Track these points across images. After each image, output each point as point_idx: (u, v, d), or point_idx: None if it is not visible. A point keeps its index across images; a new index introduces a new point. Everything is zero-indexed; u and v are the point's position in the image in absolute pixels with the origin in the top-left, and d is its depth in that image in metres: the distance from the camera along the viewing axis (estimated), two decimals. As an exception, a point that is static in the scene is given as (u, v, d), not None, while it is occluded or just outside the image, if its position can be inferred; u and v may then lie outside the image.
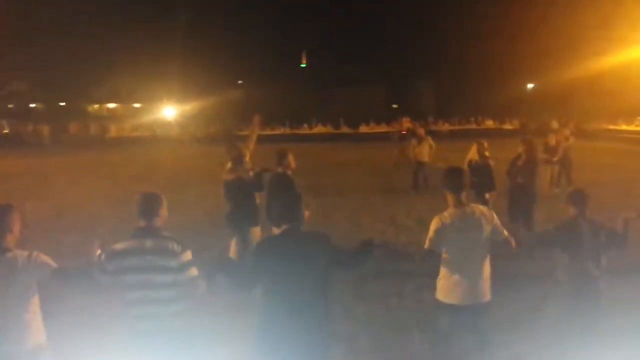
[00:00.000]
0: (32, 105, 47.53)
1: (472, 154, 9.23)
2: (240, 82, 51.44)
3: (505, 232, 4.00)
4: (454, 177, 4.03)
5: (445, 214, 3.96)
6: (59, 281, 3.47)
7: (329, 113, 37.73)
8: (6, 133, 35.08)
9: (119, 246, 3.42)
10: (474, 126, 35.32)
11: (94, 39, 40.79)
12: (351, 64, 48.35)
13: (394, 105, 46.28)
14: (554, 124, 28.94)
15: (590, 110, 31.64)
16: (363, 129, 35.61)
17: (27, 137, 33.75)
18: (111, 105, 51.73)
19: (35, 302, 3.42)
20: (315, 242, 3.52)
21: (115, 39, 40.95)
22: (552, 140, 13.01)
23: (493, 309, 4.08)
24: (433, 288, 4.07)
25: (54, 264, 3.43)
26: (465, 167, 9.24)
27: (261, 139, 8.96)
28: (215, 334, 4.89)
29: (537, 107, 35.89)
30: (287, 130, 34.71)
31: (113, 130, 36.18)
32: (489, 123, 35.85)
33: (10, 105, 45.08)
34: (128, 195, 13.59)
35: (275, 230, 5.64)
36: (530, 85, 44.24)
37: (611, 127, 31.34)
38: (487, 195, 8.84)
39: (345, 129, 35.42)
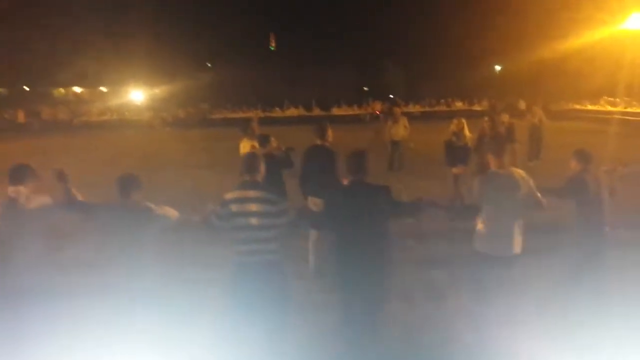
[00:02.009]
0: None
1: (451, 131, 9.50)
2: (209, 64, 50.81)
3: (539, 195, 4.49)
4: (496, 143, 4.72)
5: (489, 174, 4.51)
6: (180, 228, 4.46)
7: (300, 95, 37.61)
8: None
9: (229, 196, 4.14)
10: (444, 108, 35.80)
11: (55, 21, 39.51)
12: (320, 47, 48.07)
13: (365, 88, 46.30)
14: (522, 104, 29.54)
15: (557, 91, 32.30)
16: (335, 111, 35.72)
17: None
18: (77, 89, 50.60)
19: None
20: (379, 192, 4.21)
21: (78, 20, 39.73)
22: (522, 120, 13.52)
23: (523, 261, 4.59)
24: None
25: (176, 214, 4.34)
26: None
27: (232, 122, 9.08)
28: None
29: (505, 89, 36.49)
30: (260, 113, 34.42)
31: (83, 114, 35.44)
32: (459, 104, 36.35)
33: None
34: (103, 179, 13.52)
35: (311, 201, 5.90)
36: (498, 67, 44.89)
37: (577, 107, 32.13)
38: (454, 170, 9.15)
39: (317, 111, 35.41)
